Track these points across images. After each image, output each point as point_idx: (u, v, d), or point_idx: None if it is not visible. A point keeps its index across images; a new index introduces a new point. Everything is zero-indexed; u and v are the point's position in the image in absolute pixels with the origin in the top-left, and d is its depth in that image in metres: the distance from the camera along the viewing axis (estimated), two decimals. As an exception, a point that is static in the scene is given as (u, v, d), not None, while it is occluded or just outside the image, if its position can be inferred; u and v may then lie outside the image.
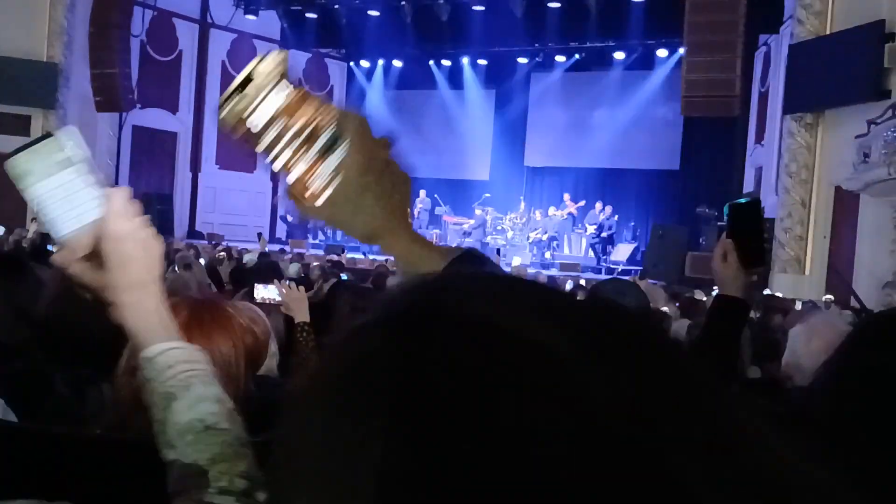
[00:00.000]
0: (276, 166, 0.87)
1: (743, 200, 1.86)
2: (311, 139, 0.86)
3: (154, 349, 1.03)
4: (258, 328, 1.71)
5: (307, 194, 0.86)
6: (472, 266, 0.93)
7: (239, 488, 1.01)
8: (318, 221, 0.89)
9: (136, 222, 1.02)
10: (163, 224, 17.90)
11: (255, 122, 0.86)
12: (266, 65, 0.87)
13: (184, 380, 1.03)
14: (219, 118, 0.87)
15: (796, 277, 12.67)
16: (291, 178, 0.86)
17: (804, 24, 12.67)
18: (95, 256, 1.00)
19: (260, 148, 0.87)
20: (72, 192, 0.96)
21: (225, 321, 1.59)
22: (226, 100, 0.87)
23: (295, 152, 0.86)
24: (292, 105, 0.87)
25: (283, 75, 0.87)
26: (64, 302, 2.27)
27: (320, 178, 0.86)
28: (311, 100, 0.88)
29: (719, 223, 15.41)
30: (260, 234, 17.91)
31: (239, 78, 0.87)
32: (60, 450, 1.48)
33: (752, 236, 1.84)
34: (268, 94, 0.86)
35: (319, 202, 0.86)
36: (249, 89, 0.86)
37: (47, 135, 0.95)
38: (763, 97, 16.50)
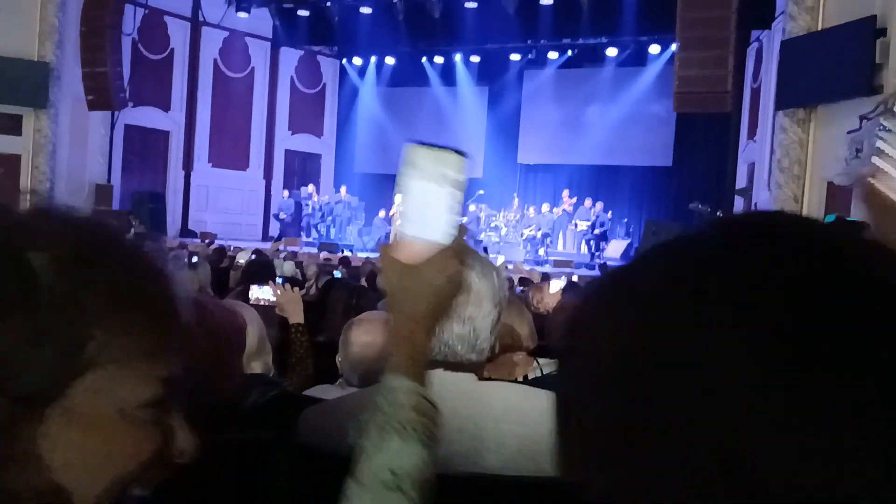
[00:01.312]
0: None
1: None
2: None
3: (404, 383, 0.98)
4: (239, 318, 1.74)
5: None
6: None
7: None
8: None
9: (461, 269, 1.01)
10: (155, 222, 17.86)
11: None
12: None
13: (408, 428, 0.97)
14: None
15: (789, 273, 12.70)
16: None
17: (796, 20, 12.69)
18: (402, 269, 0.99)
19: None
20: (436, 206, 0.97)
21: (218, 314, 1.60)
22: None
23: None
24: None
25: None
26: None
27: None
28: None
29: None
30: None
31: None
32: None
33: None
34: None
35: None
36: None
37: (458, 151, 0.98)
38: (755, 93, 16.53)
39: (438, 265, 0.98)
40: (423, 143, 0.98)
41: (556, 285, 7.08)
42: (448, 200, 0.98)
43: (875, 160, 1.02)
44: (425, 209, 0.97)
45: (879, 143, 1.04)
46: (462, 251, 1.00)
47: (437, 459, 1.00)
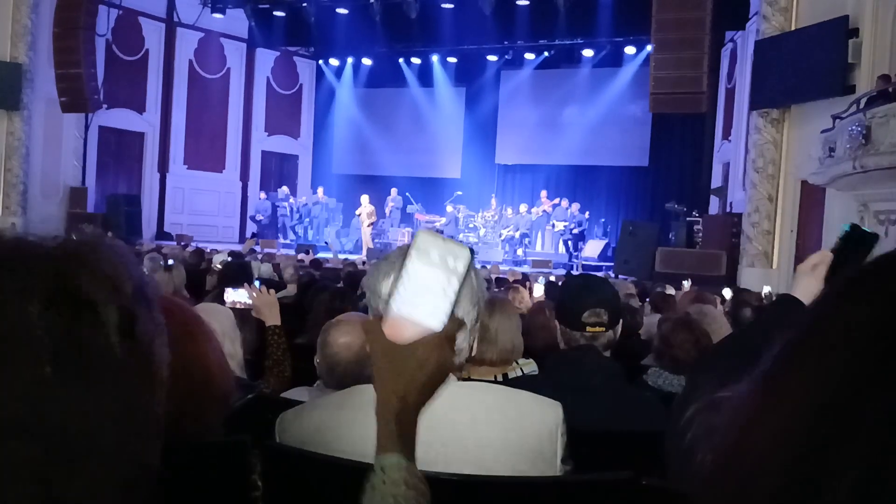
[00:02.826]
0: None
1: (867, 230, 1.76)
2: None
3: (395, 460, 0.98)
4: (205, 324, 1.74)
5: None
6: None
7: None
8: None
9: (451, 356, 0.99)
10: (131, 225, 17.71)
11: None
12: None
13: (402, 502, 0.97)
14: None
15: (764, 271, 12.82)
16: None
17: (769, 21, 12.82)
18: (390, 347, 0.97)
19: None
20: (434, 291, 0.95)
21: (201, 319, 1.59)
22: None
23: None
24: None
25: None
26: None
27: None
28: None
29: (688, 218, 15.55)
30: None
31: None
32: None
33: (850, 266, 1.79)
34: None
35: None
36: None
37: (469, 248, 1.00)
38: (730, 93, 16.68)
39: (429, 348, 0.96)
40: (435, 232, 0.97)
41: (539, 289, 7.11)
42: (447, 287, 0.96)
43: None
44: (424, 292, 0.95)
45: None
46: (451, 339, 0.97)
47: None
